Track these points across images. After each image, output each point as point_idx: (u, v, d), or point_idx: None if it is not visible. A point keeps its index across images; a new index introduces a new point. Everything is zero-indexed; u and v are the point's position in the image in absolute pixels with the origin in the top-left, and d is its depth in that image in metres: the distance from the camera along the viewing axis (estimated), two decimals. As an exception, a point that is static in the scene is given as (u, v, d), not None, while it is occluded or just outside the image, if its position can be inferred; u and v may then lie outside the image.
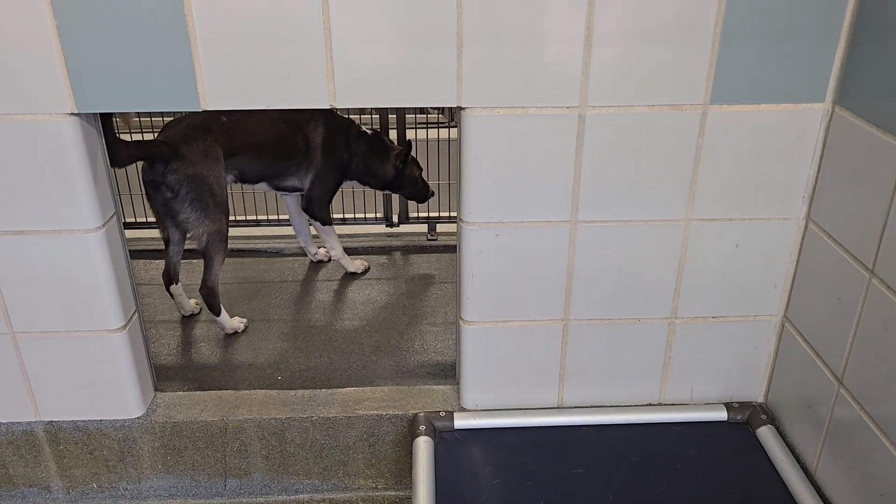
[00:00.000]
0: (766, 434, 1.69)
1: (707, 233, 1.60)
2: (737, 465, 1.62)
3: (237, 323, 2.20)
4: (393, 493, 1.80)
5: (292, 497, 1.79)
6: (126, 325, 1.64)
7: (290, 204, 2.58)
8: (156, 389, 1.82)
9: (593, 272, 1.62)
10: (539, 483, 1.56)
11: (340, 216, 2.89)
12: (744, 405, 1.77)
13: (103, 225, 1.53)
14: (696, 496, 1.54)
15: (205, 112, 2.05)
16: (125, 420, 1.72)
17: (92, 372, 1.65)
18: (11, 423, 1.72)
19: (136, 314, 1.70)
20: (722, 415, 1.76)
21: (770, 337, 1.73)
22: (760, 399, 1.80)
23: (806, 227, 1.60)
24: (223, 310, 2.16)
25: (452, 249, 2.76)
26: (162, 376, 1.94)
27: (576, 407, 1.77)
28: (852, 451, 1.45)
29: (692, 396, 1.80)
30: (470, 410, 1.76)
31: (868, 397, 1.40)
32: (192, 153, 2.00)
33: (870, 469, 1.40)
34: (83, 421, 1.72)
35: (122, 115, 2.74)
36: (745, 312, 1.70)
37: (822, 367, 1.54)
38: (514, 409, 1.75)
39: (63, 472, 1.77)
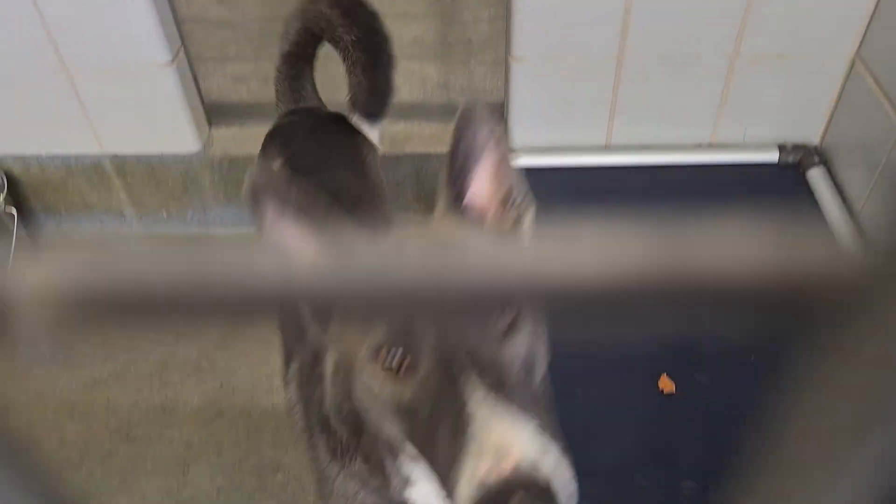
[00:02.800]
0: (816, 175, 1.68)
1: (784, -41, 1.45)
2: (783, 207, 1.63)
3: None
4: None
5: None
6: (173, 59, 1.64)
7: None
8: (210, 125, 1.87)
9: (653, 3, 1.51)
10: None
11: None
12: (797, 147, 1.74)
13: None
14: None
15: None
16: (184, 154, 1.79)
17: (146, 107, 1.69)
18: (80, 154, 1.81)
19: (182, 49, 1.69)
20: (774, 156, 1.73)
21: (837, 76, 1.64)
22: (816, 142, 1.76)
23: (897, -48, 1.44)
24: None
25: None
26: (216, 112, 1.98)
27: (625, 147, 1.76)
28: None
29: (745, 138, 1.76)
30: (516, 150, 1.77)
31: (930, 139, 1.35)
32: None
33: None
34: (145, 155, 1.79)
35: None
36: (815, 51, 1.59)
37: (888, 109, 1.48)
38: (561, 149, 1.76)
39: (134, 200, 1.89)
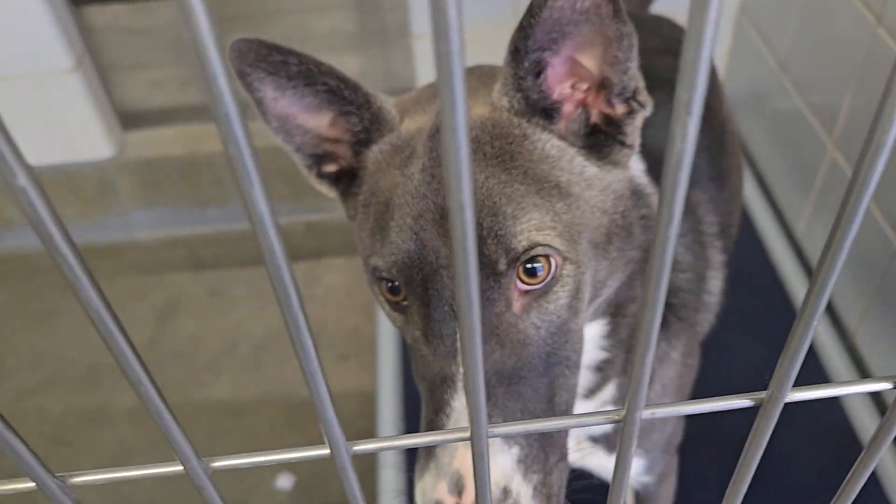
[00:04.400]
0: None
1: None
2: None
3: None
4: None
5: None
6: (77, 66, 1.64)
7: None
8: (124, 130, 1.87)
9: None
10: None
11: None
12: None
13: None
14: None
15: None
16: (98, 160, 1.79)
17: (55, 115, 1.69)
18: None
19: (88, 56, 1.69)
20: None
21: (726, 32, 1.71)
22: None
23: None
24: None
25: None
26: (133, 118, 1.98)
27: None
28: (792, 141, 1.51)
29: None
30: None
31: (806, 88, 1.42)
32: None
33: (806, 157, 1.46)
34: (59, 164, 1.79)
35: None
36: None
37: (772, 63, 1.55)
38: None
39: (52, 211, 1.88)
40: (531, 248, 0.58)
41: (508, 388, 0.58)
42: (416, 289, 0.60)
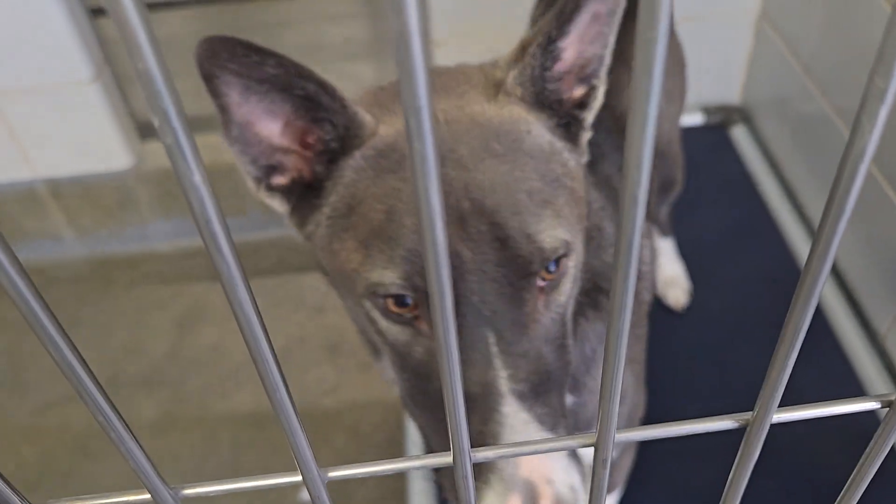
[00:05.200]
0: (739, 133, 1.73)
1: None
2: (712, 166, 1.68)
3: None
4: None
5: (288, 232, 1.91)
6: (97, 77, 1.64)
7: None
8: (142, 141, 1.87)
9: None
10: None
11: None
12: (720, 108, 1.79)
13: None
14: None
15: None
16: (117, 171, 1.79)
17: (74, 126, 1.69)
18: (13, 182, 1.80)
19: (108, 68, 1.69)
20: (699, 119, 1.78)
21: (747, 37, 1.70)
22: (736, 102, 1.81)
23: None
24: None
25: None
26: (151, 129, 1.98)
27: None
28: (817, 144, 1.49)
29: (669, 104, 1.81)
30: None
31: (830, 91, 1.40)
32: None
33: (832, 160, 1.45)
34: (78, 175, 1.79)
35: None
36: (722, 12, 1.65)
37: (794, 64, 1.53)
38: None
39: (71, 222, 1.88)
40: (557, 247, 0.58)
41: (546, 383, 0.58)
42: None
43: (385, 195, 0.60)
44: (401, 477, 1.34)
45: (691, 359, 1.34)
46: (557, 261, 0.59)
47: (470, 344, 0.57)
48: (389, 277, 0.57)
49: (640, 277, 0.86)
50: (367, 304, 0.61)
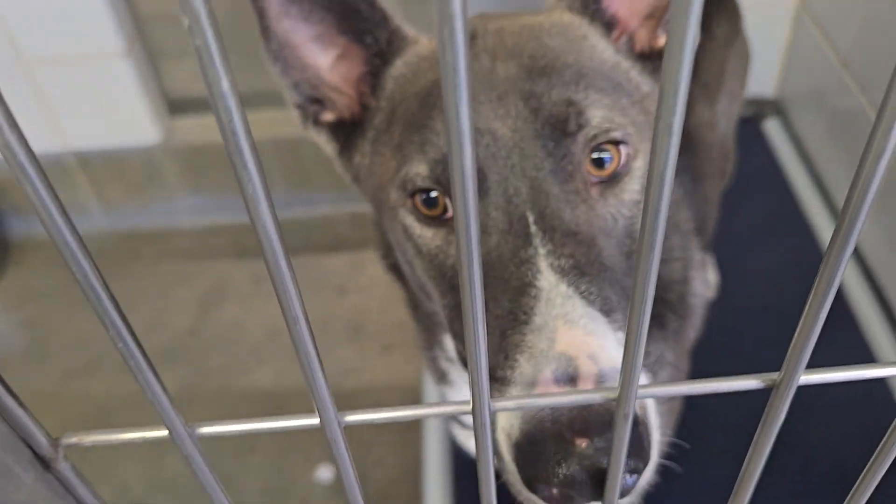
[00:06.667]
0: (772, 127, 1.70)
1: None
2: (744, 159, 1.65)
3: None
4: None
5: (315, 209, 1.91)
6: (129, 50, 1.64)
7: None
8: (172, 116, 1.87)
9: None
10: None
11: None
12: (753, 101, 1.76)
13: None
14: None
15: None
16: (145, 146, 1.80)
17: (105, 98, 1.70)
18: (44, 154, 1.81)
19: (139, 42, 1.70)
20: (730, 112, 1.75)
21: (785, 30, 1.66)
22: (770, 95, 1.78)
23: None
24: None
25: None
26: (180, 104, 1.98)
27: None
28: (853, 141, 1.46)
29: (701, 96, 1.78)
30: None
31: (869, 86, 1.37)
32: None
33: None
34: (108, 149, 1.80)
35: None
36: (761, 4, 1.62)
37: (833, 59, 1.50)
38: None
39: (98, 195, 1.90)
40: (610, 128, 0.54)
41: (601, 273, 0.52)
42: None
43: (421, 91, 0.60)
44: (416, 464, 1.34)
45: (718, 350, 1.32)
46: (606, 154, 0.54)
47: (507, 227, 0.52)
48: (415, 169, 0.55)
49: (689, 314, 0.81)
50: (402, 213, 0.59)
